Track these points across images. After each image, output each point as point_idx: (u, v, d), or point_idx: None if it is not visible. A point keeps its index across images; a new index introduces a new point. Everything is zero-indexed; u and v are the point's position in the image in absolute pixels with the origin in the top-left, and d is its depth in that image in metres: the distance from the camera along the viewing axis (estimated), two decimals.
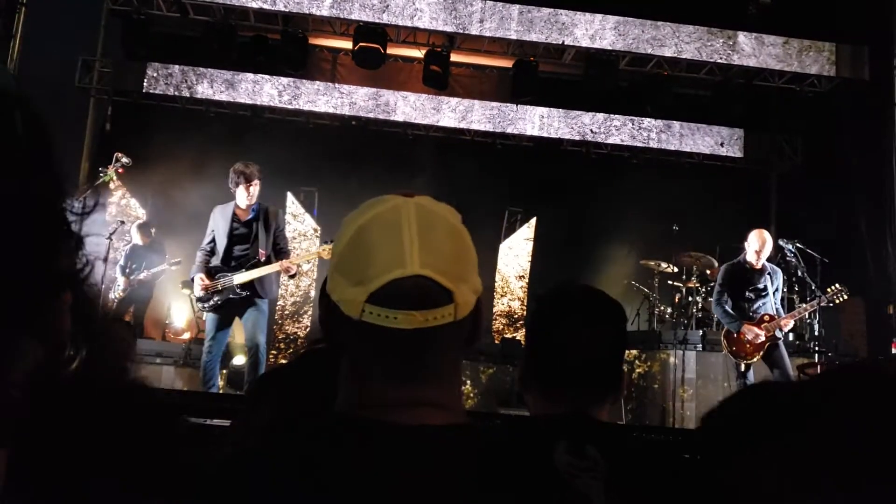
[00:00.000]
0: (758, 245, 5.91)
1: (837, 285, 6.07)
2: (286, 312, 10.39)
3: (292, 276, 5.78)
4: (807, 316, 6.35)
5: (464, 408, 1.00)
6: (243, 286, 5.41)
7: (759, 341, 5.76)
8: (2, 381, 0.46)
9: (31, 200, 0.52)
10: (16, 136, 0.53)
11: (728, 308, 5.91)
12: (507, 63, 9.26)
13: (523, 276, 10.14)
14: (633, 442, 1.62)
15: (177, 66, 9.49)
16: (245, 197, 5.42)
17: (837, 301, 6.04)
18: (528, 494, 0.95)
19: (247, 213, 5.50)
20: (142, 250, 8.23)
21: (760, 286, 5.94)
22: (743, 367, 5.85)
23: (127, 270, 8.01)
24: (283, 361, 10.10)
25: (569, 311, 1.56)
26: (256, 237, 5.47)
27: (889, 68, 8.46)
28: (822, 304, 6.10)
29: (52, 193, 0.54)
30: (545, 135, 10.12)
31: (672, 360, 7.05)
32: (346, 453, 0.91)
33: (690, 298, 8.03)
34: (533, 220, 10.25)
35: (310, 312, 10.33)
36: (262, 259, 5.44)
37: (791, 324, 6.06)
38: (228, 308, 5.52)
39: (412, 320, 0.91)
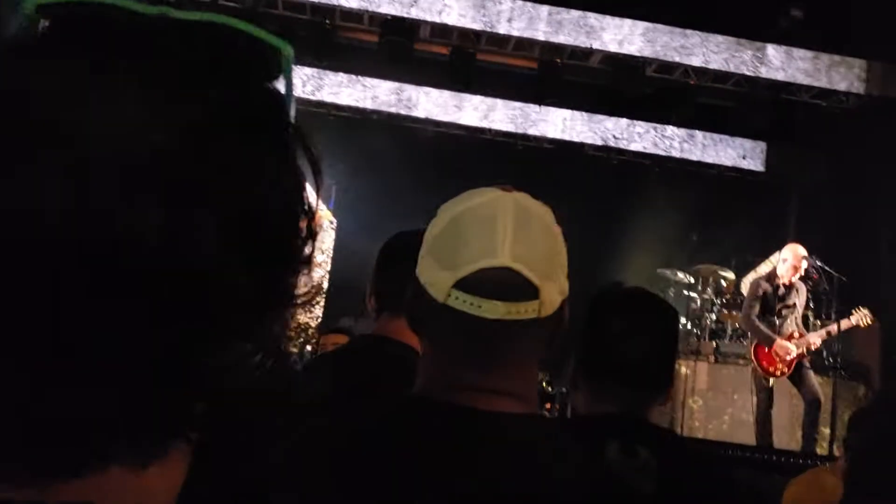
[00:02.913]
0: (795, 261, 5.85)
1: (864, 309, 6.01)
2: (300, 301, 10.42)
3: None
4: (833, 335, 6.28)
5: (535, 398, 1.03)
6: None
7: (790, 358, 5.73)
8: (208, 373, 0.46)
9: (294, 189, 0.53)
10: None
11: (759, 322, 5.86)
12: (532, 64, 9.22)
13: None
14: (683, 443, 1.66)
15: None
16: None
17: (863, 325, 5.99)
18: (581, 490, 0.97)
19: None
20: None
21: (790, 302, 5.91)
22: (772, 383, 5.81)
23: None
24: (294, 350, 10.13)
25: (621, 311, 1.59)
26: None
27: None
28: (849, 326, 6.04)
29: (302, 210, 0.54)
30: (567, 138, 10.08)
31: (684, 370, 7.01)
32: (424, 433, 0.94)
33: (705, 310, 7.98)
34: None
35: (322, 303, 10.35)
36: None
37: (819, 342, 6.02)
38: None
39: (496, 310, 0.92)
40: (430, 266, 0.98)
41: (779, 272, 5.96)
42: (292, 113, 0.57)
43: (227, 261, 0.44)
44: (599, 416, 1.52)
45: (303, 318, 10.53)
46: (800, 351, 5.72)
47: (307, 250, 0.55)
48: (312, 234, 0.55)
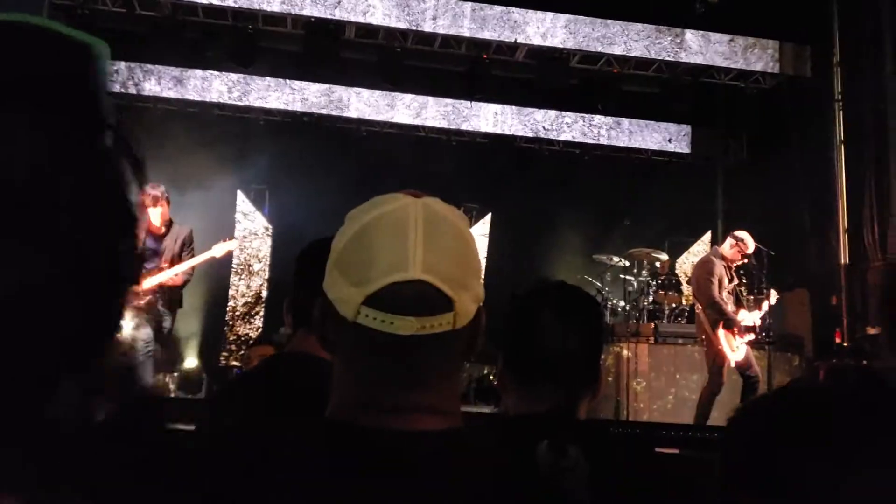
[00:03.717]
0: (742, 246, 6.15)
1: (773, 292, 6.49)
2: (237, 313, 10.24)
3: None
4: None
5: (459, 412, 0.98)
6: None
7: (747, 338, 5.97)
8: (29, 421, 0.43)
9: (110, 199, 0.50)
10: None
11: (724, 303, 6.03)
12: (460, 60, 9.28)
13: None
14: (613, 438, 1.63)
15: (123, 63, 9.26)
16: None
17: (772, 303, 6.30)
18: (513, 497, 0.94)
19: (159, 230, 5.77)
20: None
21: (734, 285, 6.18)
22: (727, 363, 5.97)
23: None
24: (235, 364, 9.96)
25: (545, 308, 1.55)
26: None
27: (830, 66, 8.72)
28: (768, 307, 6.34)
29: (126, 225, 0.52)
30: (499, 131, 10.19)
31: (625, 353, 7.15)
32: (339, 459, 0.88)
33: (642, 292, 8.16)
34: (488, 217, 10.31)
35: (262, 313, 10.19)
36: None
37: (759, 321, 6.27)
38: None
39: (409, 326, 0.88)
40: (337, 281, 0.92)
41: (727, 254, 6.13)
42: (106, 107, 0.54)
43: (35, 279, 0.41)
44: (528, 417, 1.49)
45: (242, 329, 10.38)
46: (747, 328, 5.97)
47: (134, 274, 0.53)
48: (139, 257, 0.52)
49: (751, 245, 6.18)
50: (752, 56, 9.24)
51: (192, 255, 5.84)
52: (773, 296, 6.40)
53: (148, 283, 5.61)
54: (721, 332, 5.93)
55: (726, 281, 6.08)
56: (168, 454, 0.66)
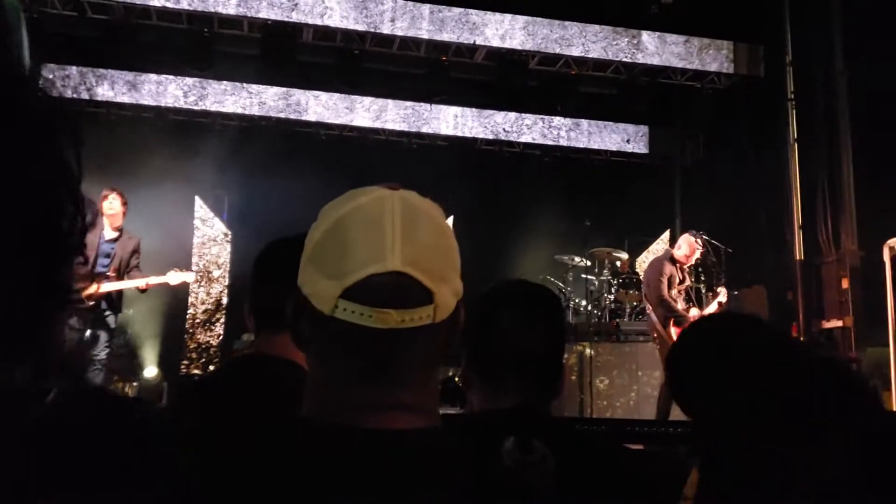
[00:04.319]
0: (690, 249, 6.37)
1: (723, 288, 6.68)
2: (197, 321, 10.10)
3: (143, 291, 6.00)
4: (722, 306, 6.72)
5: (438, 410, 0.96)
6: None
7: None
8: None
9: (41, 186, 0.48)
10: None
11: (672, 301, 6.19)
12: (419, 63, 9.27)
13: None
14: (578, 434, 1.65)
15: (74, 68, 9.08)
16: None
17: (722, 301, 6.46)
18: (479, 494, 0.93)
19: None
20: None
21: (686, 284, 6.42)
22: None
23: None
24: (196, 372, 9.81)
25: (507, 305, 1.56)
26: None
27: (782, 65, 8.90)
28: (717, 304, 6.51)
29: (61, 180, 0.49)
30: (459, 134, 10.21)
31: (588, 351, 7.20)
32: (314, 460, 0.86)
33: (603, 291, 8.24)
34: (450, 219, 10.29)
35: (222, 321, 10.07)
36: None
37: None
38: None
39: (388, 319, 0.85)
40: (312, 275, 0.89)
41: (676, 256, 6.32)
42: (20, 60, 0.52)
43: None
44: (493, 413, 1.50)
45: (203, 336, 10.23)
46: None
47: (78, 237, 0.50)
48: (82, 216, 0.50)
49: (698, 247, 6.42)
50: (708, 56, 9.39)
51: (138, 267, 5.88)
52: (723, 293, 6.60)
53: (105, 287, 5.58)
54: (672, 330, 6.06)
55: (677, 280, 6.25)
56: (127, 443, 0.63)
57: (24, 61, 0.51)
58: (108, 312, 5.75)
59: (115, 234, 5.81)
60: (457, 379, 7.80)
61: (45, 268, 0.47)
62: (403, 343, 0.87)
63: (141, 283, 5.76)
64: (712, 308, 6.42)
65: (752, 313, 1.72)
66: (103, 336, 5.64)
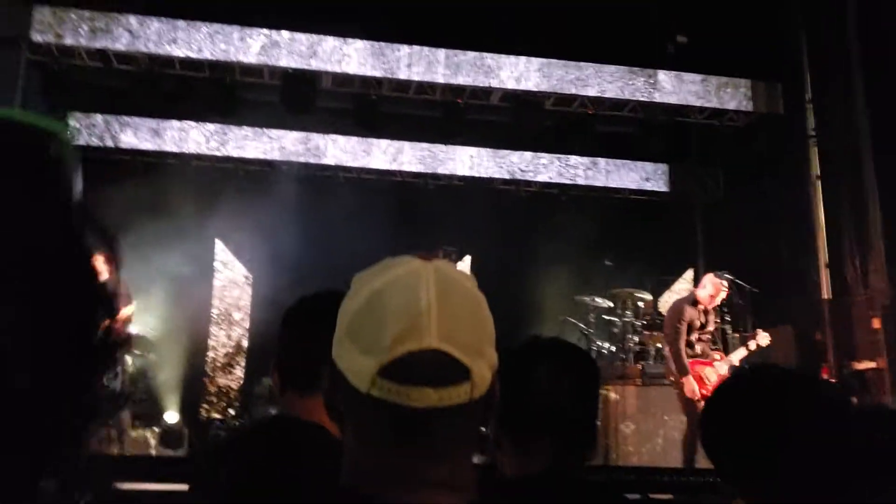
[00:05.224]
0: (714, 289, 6.13)
1: (762, 332, 6.34)
2: (218, 364, 10.09)
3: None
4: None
5: (473, 485, 0.95)
6: None
7: (715, 379, 5.93)
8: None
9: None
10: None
11: (683, 351, 5.99)
12: (435, 105, 9.33)
13: None
14: (611, 499, 1.62)
15: (100, 116, 9.24)
16: None
17: (764, 345, 6.25)
18: None
19: None
20: None
21: (710, 328, 6.21)
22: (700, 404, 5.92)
23: None
24: (216, 416, 9.77)
25: (540, 367, 1.54)
26: None
27: (801, 102, 8.85)
28: (755, 346, 6.28)
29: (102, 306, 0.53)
30: (475, 174, 10.22)
31: (613, 395, 7.08)
32: None
33: (626, 332, 8.11)
34: (467, 259, 10.28)
35: (242, 363, 10.06)
36: None
37: (738, 361, 6.23)
38: None
39: (426, 398, 0.85)
40: (348, 350, 0.89)
41: (700, 298, 6.14)
42: (78, 190, 0.57)
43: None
44: (526, 480, 1.47)
45: (223, 380, 10.21)
46: (724, 372, 5.93)
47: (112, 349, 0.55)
48: (116, 332, 0.53)
49: (723, 287, 6.19)
50: (726, 95, 9.37)
51: None
52: (764, 337, 6.29)
53: None
54: (688, 379, 5.92)
55: (698, 325, 6.08)
56: None
57: (76, 194, 0.55)
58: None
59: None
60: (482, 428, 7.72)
61: (77, 387, 0.49)
62: (440, 421, 0.87)
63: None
64: (741, 354, 6.26)
65: (788, 367, 1.70)
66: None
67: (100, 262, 0.59)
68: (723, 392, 1.56)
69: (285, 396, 1.69)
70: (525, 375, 1.52)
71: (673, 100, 9.29)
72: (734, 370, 6.02)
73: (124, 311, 5.70)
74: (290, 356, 1.69)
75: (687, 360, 5.94)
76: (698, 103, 9.36)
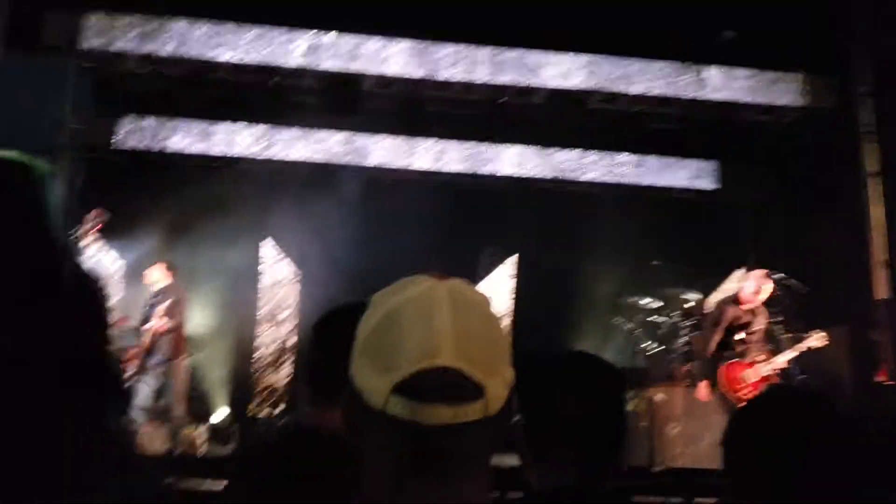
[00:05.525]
0: (758, 286, 5.98)
1: (820, 332, 6.06)
2: (266, 361, 10.26)
3: None
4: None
5: (490, 500, 0.96)
6: None
7: (754, 380, 5.79)
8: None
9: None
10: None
11: (712, 355, 5.89)
12: (479, 104, 9.31)
13: (506, 316, 10.11)
14: None
15: (149, 120, 9.46)
16: None
17: (819, 345, 6.03)
18: None
19: None
20: None
21: (755, 328, 6.02)
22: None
23: None
24: (265, 414, 9.93)
25: (567, 383, 1.54)
26: None
27: (857, 96, 8.56)
28: (806, 348, 6.08)
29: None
30: (520, 173, 10.15)
31: (659, 396, 6.98)
32: None
33: (674, 334, 7.99)
34: (513, 259, 10.24)
35: (290, 360, 10.20)
36: None
37: (786, 363, 6.07)
38: None
39: (439, 415, 0.87)
40: (364, 368, 0.92)
41: (742, 296, 6.00)
42: (56, 225, 0.60)
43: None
44: (556, 493, 1.46)
45: (272, 377, 10.36)
46: (766, 373, 5.79)
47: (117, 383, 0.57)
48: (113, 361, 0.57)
49: (767, 286, 5.99)
50: (777, 90, 9.12)
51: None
52: (820, 338, 6.03)
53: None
54: (700, 386, 5.85)
55: (743, 323, 5.92)
56: None
57: (58, 230, 0.57)
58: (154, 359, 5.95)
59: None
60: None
61: (88, 420, 0.54)
62: (455, 438, 0.89)
63: None
64: (788, 355, 6.08)
65: (816, 391, 1.68)
66: (151, 383, 5.79)
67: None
68: (746, 412, 1.58)
69: (316, 408, 1.71)
70: (550, 393, 1.52)
71: (722, 96, 9.07)
72: (780, 372, 5.88)
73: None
74: (322, 369, 1.70)
75: (707, 369, 5.84)
76: (749, 99, 9.12)
